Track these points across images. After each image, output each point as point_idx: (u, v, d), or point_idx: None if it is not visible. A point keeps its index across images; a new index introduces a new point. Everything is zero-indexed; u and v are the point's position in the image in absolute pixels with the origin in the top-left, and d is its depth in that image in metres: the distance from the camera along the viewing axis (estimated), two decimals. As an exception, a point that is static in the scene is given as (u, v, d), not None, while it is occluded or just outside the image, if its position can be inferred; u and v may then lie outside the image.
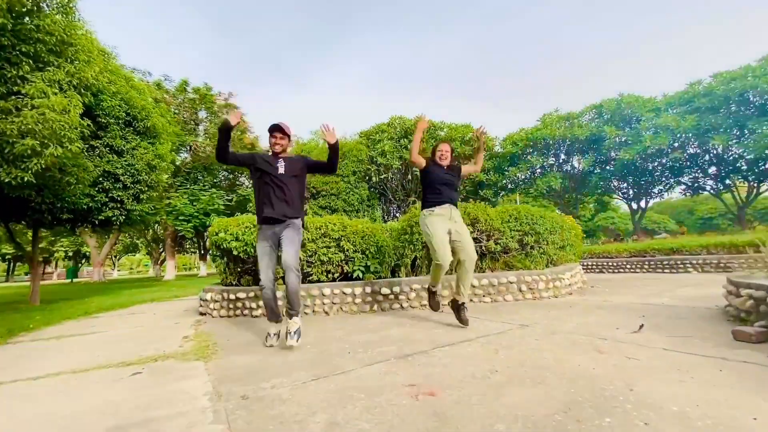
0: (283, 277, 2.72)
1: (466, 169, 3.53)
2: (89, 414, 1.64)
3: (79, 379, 2.22)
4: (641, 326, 2.63)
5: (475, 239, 4.67)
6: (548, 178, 18.51)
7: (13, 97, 5.80)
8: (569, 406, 1.41)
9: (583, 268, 8.87)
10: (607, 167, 18.87)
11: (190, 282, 15.87)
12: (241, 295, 4.24)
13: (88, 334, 3.83)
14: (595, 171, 19.24)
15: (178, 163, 18.84)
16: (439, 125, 20.62)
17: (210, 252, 4.98)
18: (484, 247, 4.67)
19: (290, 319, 2.73)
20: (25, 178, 5.78)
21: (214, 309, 4.39)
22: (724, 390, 1.49)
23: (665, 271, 7.65)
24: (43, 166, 5.89)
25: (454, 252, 3.07)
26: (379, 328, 3.17)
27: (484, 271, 4.66)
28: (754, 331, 2.12)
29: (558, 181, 18.43)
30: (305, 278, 4.30)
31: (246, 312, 4.22)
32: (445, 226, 3.08)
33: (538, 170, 20.78)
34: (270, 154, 3.00)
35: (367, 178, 19.06)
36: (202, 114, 21.76)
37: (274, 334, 2.83)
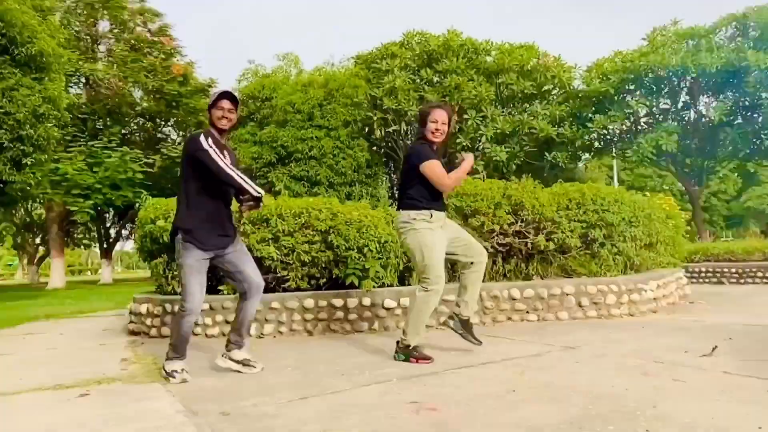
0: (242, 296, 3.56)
1: None
2: (64, 427, 2.44)
3: (14, 401, 3.03)
4: (714, 348, 3.37)
5: (518, 232, 5.41)
6: (657, 134, 18.88)
7: None
8: (579, 418, 2.17)
9: (692, 276, 9.57)
10: (755, 115, 19.18)
11: (91, 291, 16.92)
12: (191, 307, 5.04)
13: (-14, 358, 4.68)
14: (735, 122, 19.59)
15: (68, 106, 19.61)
16: (483, 47, 21.06)
17: (142, 247, 5.78)
18: (530, 245, 5.41)
19: (239, 349, 3.57)
20: None
21: (153, 326, 5.22)
22: (755, 406, 2.23)
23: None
24: None
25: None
26: (380, 350, 3.96)
27: (530, 279, 5.42)
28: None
29: (673, 139, 18.75)
30: (279, 284, 5.09)
31: (198, 330, 5.02)
32: (443, 237, 3.61)
33: (643, 120, 21.23)
34: (212, 130, 3.45)
35: (367, 131, 19.64)
36: (104, 26, 22.42)
37: (182, 370, 3.42)
